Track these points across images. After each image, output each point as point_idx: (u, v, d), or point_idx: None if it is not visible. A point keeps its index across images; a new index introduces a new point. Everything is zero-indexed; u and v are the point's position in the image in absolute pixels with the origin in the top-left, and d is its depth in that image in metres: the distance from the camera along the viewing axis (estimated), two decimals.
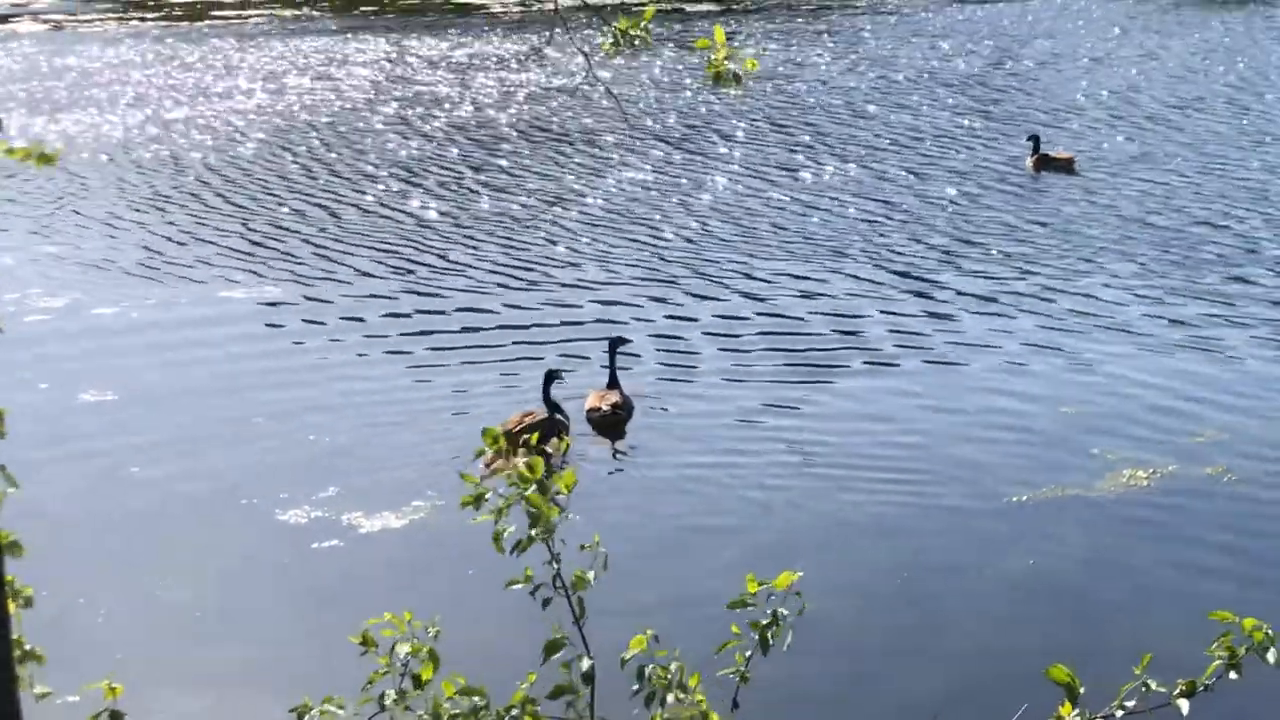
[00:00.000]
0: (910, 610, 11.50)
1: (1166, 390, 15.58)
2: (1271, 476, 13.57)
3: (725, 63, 6.44)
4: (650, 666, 5.37)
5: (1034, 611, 11.41)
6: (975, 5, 47.03)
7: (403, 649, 5.39)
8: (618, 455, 14.76)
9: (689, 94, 33.12)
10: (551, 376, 15.02)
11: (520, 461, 5.44)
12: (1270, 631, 5.22)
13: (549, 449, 14.26)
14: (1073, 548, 12.32)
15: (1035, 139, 26.30)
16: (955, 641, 10.97)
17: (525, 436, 14.60)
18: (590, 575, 5.38)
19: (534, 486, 5.44)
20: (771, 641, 5.42)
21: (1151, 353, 16.71)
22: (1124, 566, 11.96)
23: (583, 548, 5.43)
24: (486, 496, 5.47)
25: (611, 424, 15.02)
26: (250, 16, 46.85)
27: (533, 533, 5.42)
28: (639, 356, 16.76)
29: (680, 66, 36.11)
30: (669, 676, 5.33)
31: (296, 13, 47.57)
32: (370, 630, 5.55)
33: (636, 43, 6.70)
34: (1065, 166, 25.81)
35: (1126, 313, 18.15)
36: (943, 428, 14.83)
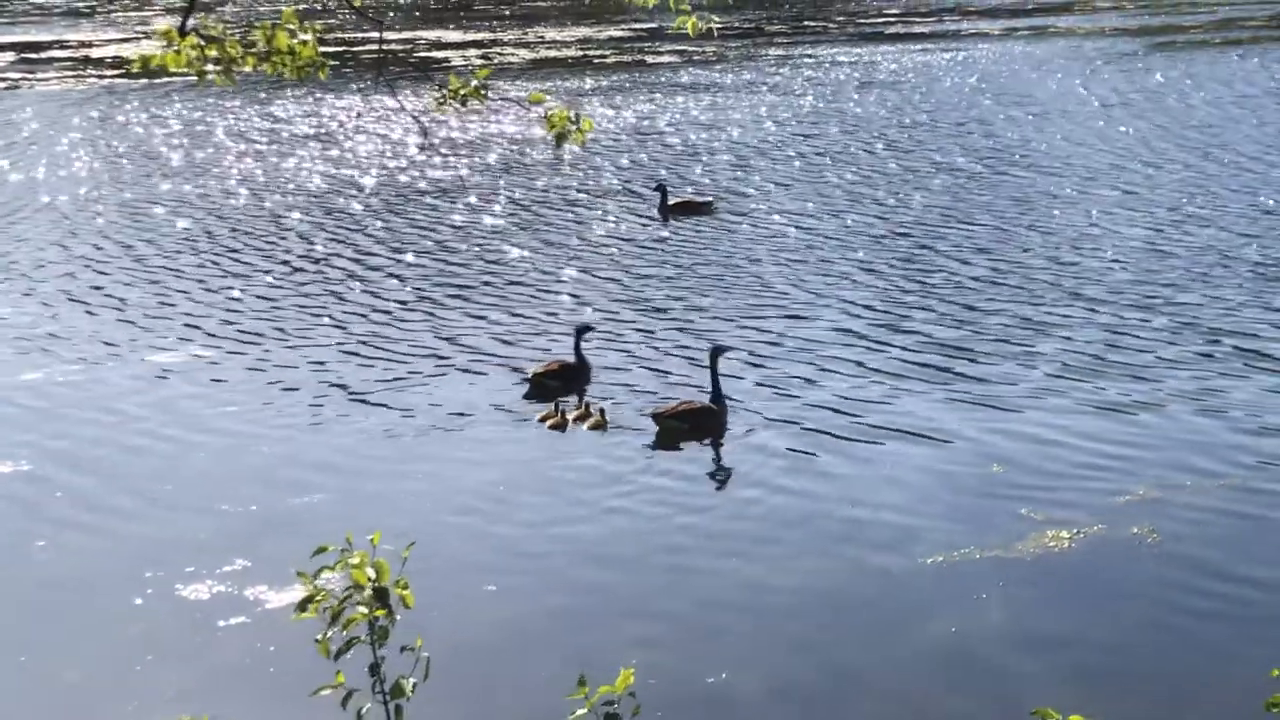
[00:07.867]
0: (823, 680, 11.22)
1: (1097, 449, 15.38)
2: (1197, 538, 13.35)
3: (565, 121, 6.35)
4: None
5: (947, 681, 11.14)
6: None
7: None
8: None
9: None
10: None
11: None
12: None
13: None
14: (992, 612, 12.07)
15: (662, 187, 26.83)
16: (865, 716, 10.71)
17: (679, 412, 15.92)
18: (409, 684, 5.11)
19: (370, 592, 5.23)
20: None
21: (1085, 411, 16.50)
22: (1037, 634, 11.70)
23: (403, 649, 5.16)
24: (318, 601, 5.24)
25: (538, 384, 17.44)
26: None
27: (362, 637, 5.19)
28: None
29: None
30: None
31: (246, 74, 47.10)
32: None
33: (467, 102, 6.56)
34: (703, 210, 26.31)
35: (1060, 370, 18.01)
36: (867, 489, 14.62)
